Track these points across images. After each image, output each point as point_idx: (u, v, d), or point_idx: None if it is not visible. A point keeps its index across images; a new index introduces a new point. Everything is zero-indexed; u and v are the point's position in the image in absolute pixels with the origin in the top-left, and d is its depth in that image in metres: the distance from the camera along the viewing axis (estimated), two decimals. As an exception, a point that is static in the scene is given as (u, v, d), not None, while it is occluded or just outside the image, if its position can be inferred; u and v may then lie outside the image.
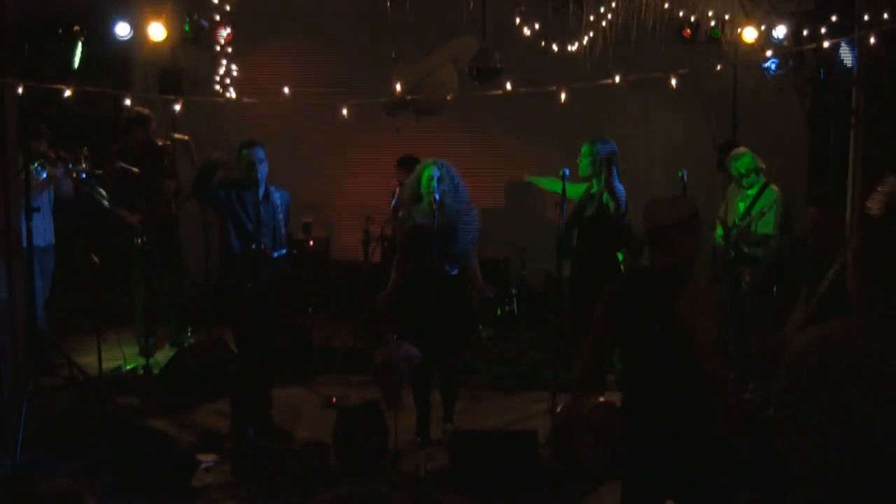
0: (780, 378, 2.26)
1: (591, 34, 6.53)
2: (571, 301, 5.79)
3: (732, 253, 6.43)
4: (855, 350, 2.14)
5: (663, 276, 3.30)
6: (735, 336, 6.70)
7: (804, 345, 2.24)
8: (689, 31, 7.56)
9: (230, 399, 5.50)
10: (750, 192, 6.41)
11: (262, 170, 5.28)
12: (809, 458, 2.19)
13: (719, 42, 7.52)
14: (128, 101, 6.21)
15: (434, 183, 5.26)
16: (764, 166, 6.43)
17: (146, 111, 6.84)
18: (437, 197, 5.24)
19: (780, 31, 6.38)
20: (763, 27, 6.49)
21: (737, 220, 6.42)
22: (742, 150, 6.47)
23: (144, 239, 6.56)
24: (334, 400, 6.13)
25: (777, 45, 6.57)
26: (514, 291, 7.77)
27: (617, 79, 5.89)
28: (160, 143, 6.97)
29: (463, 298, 5.57)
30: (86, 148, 6.01)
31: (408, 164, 7.24)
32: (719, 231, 6.71)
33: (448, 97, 6.59)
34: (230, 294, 5.31)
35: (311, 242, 7.97)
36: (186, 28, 6.80)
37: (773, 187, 6.42)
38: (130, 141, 6.84)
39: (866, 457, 2.07)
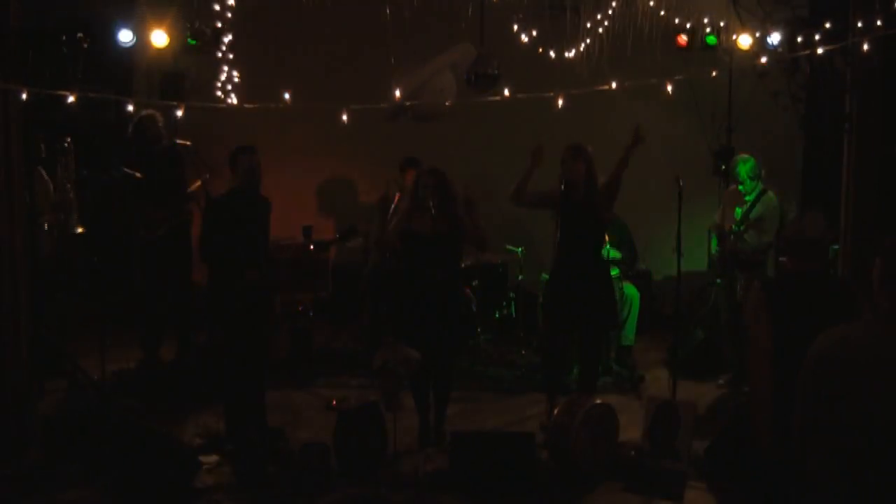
0: (805, 372, 2.63)
1: (588, 41, 6.60)
2: (549, 301, 5.80)
3: (730, 259, 6.51)
4: (871, 348, 2.52)
5: (821, 281, 3.60)
6: (731, 339, 6.78)
7: (827, 343, 2.61)
8: (684, 37, 7.64)
9: (225, 401, 5.56)
10: (748, 198, 6.49)
11: (258, 174, 5.42)
12: (824, 440, 2.56)
13: (715, 49, 7.60)
14: (130, 107, 6.27)
15: (430, 189, 5.35)
16: (763, 173, 6.52)
17: (150, 112, 6.82)
18: (434, 202, 5.32)
19: (774, 38, 6.45)
20: (758, 34, 6.56)
21: (734, 226, 6.49)
22: (747, 155, 6.55)
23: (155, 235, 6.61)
24: (334, 402, 6.19)
25: (771, 52, 6.64)
26: (511, 295, 7.85)
27: (613, 85, 5.96)
28: (177, 147, 6.93)
29: (460, 303, 5.64)
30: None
31: (411, 165, 7.32)
32: (714, 243, 6.78)
33: (447, 103, 6.67)
34: (221, 296, 5.39)
35: (312, 246, 8.04)
36: (189, 38, 6.85)
37: (771, 194, 6.50)
38: (143, 144, 6.83)
39: (875, 440, 2.44)
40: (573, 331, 5.78)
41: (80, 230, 6.26)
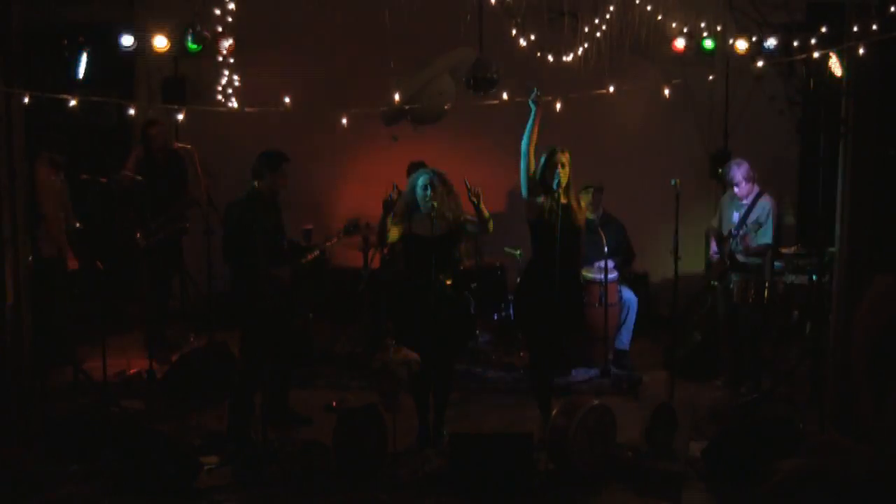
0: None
1: (586, 45, 6.63)
2: (529, 315, 5.69)
3: (728, 262, 6.55)
4: None
5: None
6: (728, 341, 6.82)
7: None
8: (682, 42, 7.70)
9: (230, 402, 5.60)
10: (745, 201, 6.53)
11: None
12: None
13: (712, 53, 7.65)
14: (132, 111, 6.32)
15: (427, 191, 5.40)
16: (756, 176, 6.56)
17: (158, 118, 6.87)
18: (435, 204, 5.37)
19: (770, 43, 6.50)
20: (754, 39, 6.62)
21: (732, 229, 6.53)
22: (740, 159, 6.59)
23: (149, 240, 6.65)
24: (334, 403, 6.24)
25: (768, 56, 6.69)
26: (510, 297, 7.88)
27: (611, 89, 6.00)
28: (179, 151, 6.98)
29: (459, 307, 5.68)
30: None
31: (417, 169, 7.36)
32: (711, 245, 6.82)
33: (445, 107, 6.71)
34: (255, 297, 5.43)
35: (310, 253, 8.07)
36: (189, 43, 6.91)
37: (768, 197, 6.54)
38: (150, 146, 6.87)
39: None
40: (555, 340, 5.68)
41: None
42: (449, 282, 5.50)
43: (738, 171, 6.47)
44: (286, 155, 5.55)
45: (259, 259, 5.32)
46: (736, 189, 6.49)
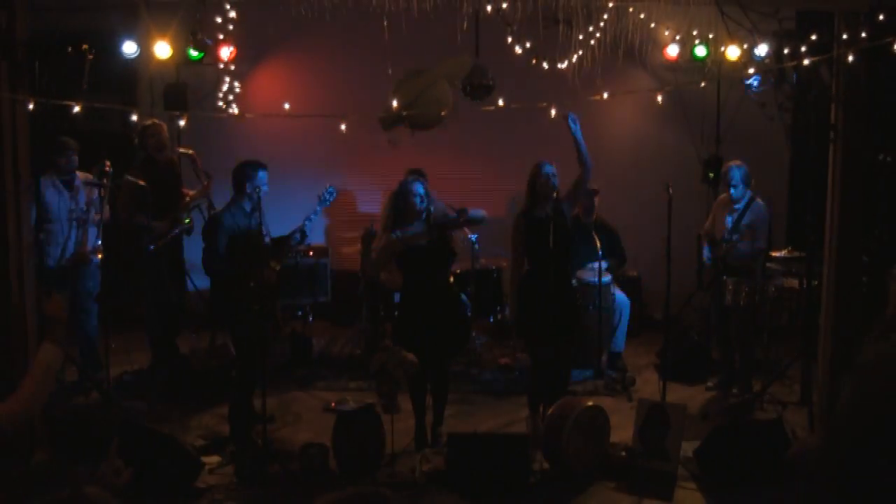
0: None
1: (581, 52, 6.73)
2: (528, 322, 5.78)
3: (720, 265, 6.64)
4: None
5: None
6: (720, 343, 6.92)
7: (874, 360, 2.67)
8: (674, 49, 7.81)
9: (230, 403, 5.68)
10: (738, 206, 6.62)
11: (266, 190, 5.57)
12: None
13: (703, 60, 7.76)
14: (134, 117, 6.41)
15: (419, 199, 5.51)
16: (752, 182, 6.66)
17: (155, 121, 6.93)
18: (432, 210, 5.48)
19: (761, 50, 6.58)
20: (745, 45, 6.70)
21: (727, 234, 6.61)
22: (739, 161, 6.69)
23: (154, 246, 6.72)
24: (333, 404, 6.32)
25: (759, 63, 6.78)
26: (506, 300, 7.98)
27: (605, 95, 6.10)
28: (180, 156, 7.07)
29: (456, 309, 5.78)
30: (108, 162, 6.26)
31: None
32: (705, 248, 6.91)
33: (442, 113, 6.80)
34: (228, 305, 5.50)
35: (311, 252, 8.17)
36: (189, 52, 6.99)
37: (760, 201, 6.63)
38: (148, 152, 6.94)
39: None
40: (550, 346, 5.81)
41: None
42: (451, 279, 5.62)
43: (738, 172, 6.56)
44: (254, 163, 5.55)
45: (218, 272, 5.45)
46: (733, 191, 6.57)
